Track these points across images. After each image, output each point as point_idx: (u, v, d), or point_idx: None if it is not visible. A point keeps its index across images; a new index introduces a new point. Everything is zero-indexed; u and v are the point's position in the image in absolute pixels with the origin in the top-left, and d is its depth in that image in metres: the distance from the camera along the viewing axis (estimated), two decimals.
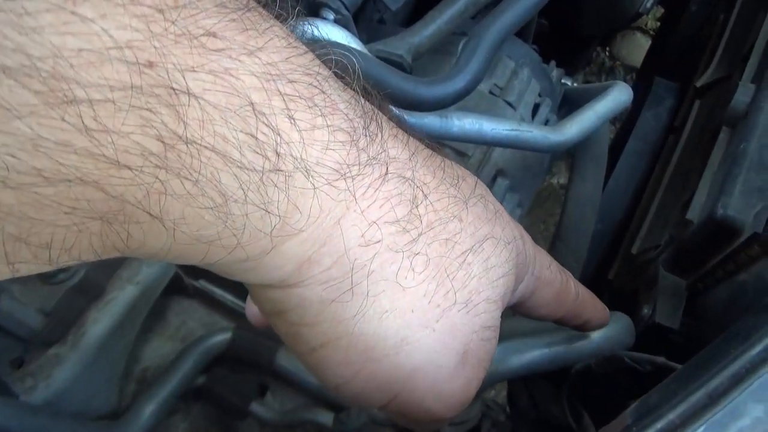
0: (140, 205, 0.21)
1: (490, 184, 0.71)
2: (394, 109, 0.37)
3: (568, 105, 0.85)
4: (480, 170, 0.69)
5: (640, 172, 0.87)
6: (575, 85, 0.88)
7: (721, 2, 0.97)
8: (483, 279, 0.32)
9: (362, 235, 0.28)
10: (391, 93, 0.47)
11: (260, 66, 0.23)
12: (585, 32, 0.91)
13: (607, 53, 2.13)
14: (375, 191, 0.28)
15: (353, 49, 0.47)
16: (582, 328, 0.48)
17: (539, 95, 0.77)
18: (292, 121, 0.24)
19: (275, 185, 0.24)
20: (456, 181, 0.33)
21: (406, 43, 0.57)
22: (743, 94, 0.59)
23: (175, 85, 0.20)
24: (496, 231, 0.33)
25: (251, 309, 0.39)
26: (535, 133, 0.59)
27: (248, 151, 0.23)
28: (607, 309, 0.49)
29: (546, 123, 0.77)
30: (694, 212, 0.56)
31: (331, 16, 0.54)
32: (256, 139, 0.23)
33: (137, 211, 0.21)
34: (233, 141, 0.22)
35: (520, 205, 0.75)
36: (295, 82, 0.24)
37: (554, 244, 0.75)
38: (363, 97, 0.29)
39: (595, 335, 0.55)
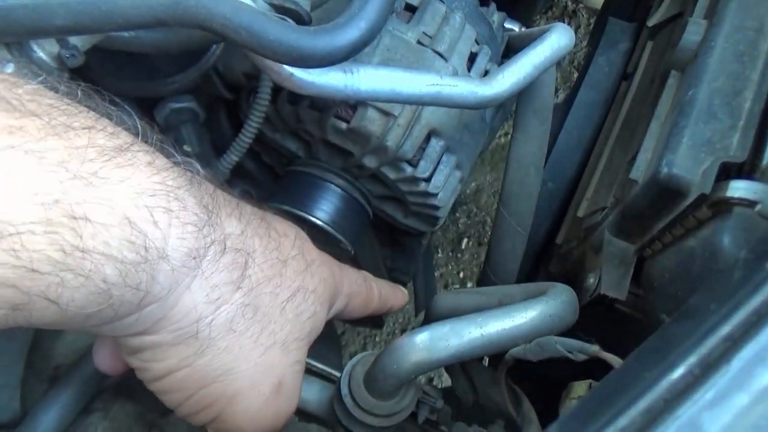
0: (42, 295, 0.31)
1: (423, 145, 0.64)
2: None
3: (514, 53, 0.77)
4: (409, 131, 0.61)
5: (593, 124, 0.80)
6: (522, 30, 0.80)
7: None
8: (295, 322, 0.45)
9: (206, 295, 0.39)
10: (270, 47, 0.39)
11: (130, 189, 0.33)
12: None
13: None
14: (216, 263, 0.39)
15: None
16: (387, 313, 0.63)
17: (476, 43, 0.69)
18: (155, 224, 0.34)
19: (144, 270, 0.34)
20: (278, 244, 0.45)
21: None
22: (693, 32, 0.52)
23: (74, 214, 0.31)
24: (307, 281, 0.46)
25: (98, 357, 0.48)
26: (460, 87, 0.51)
27: (126, 250, 0.33)
28: (404, 290, 0.65)
29: (486, 75, 0.69)
30: (639, 171, 0.50)
31: None
32: (131, 242, 0.33)
33: (40, 299, 0.31)
34: (115, 245, 0.32)
35: (459, 167, 0.68)
36: (155, 195, 0.34)
37: (498, 210, 0.69)
38: (208, 194, 0.39)
39: (533, 313, 0.49)
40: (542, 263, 0.81)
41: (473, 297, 0.62)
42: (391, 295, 0.61)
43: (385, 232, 0.88)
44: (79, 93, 0.36)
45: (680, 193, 0.44)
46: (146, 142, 0.37)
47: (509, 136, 1.94)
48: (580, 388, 0.47)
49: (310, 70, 0.44)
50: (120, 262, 0.32)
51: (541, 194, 0.81)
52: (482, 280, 0.74)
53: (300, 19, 0.48)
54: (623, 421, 0.23)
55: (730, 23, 0.50)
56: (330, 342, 1.21)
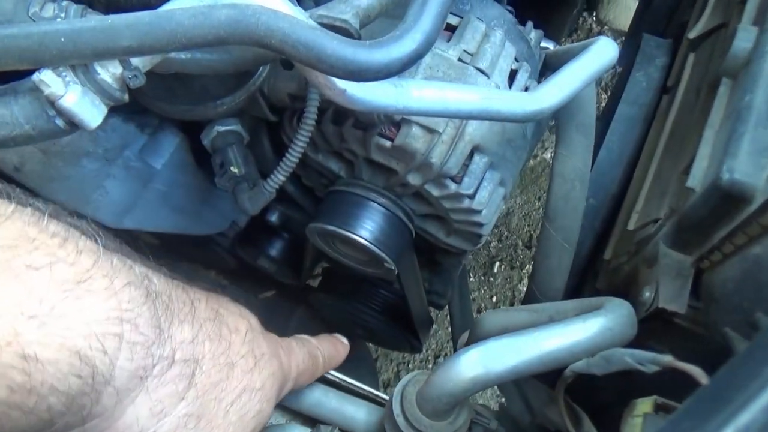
0: None
1: (467, 162, 0.64)
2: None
3: (551, 71, 0.77)
4: (453, 147, 0.61)
5: (634, 139, 0.79)
6: (556, 48, 0.80)
7: None
8: (239, 424, 0.47)
9: (150, 409, 0.41)
10: (328, 61, 0.39)
11: (83, 322, 0.35)
12: None
13: (593, 18, 2.04)
14: (162, 377, 0.41)
15: (281, 13, 0.40)
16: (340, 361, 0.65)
17: (516, 60, 0.69)
18: (104, 352, 0.36)
19: (89, 396, 0.36)
20: (229, 343, 0.47)
21: (350, 6, 0.50)
22: (744, 39, 0.51)
23: (24, 354, 0.33)
24: (254, 379, 0.48)
25: None
26: (508, 100, 0.51)
27: (73, 383, 0.35)
28: (343, 339, 0.67)
29: (525, 90, 0.69)
30: (696, 179, 0.49)
31: None
32: (79, 375, 0.35)
33: None
34: (62, 379, 0.34)
35: (502, 183, 0.68)
36: (108, 320, 0.37)
37: (543, 226, 0.68)
38: (163, 305, 0.42)
39: (592, 327, 0.48)
40: (587, 280, 0.79)
41: (523, 315, 0.60)
42: (334, 355, 0.64)
43: (423, 254, 0.88)
44: (49, 208, 0.39)
45: (744, 198, 0.43)
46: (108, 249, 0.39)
47: (537, 158, 1.92)
48: (645, 406, 0.46)
49: (362, 86, 0.45)
50: (65, 395, 0.35)
51: (585, 213, 0.80)
52: (528, 298, 0.72)
53: (350, 36, 0.49)
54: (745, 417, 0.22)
55: None
56: (366, 367, 1.19)
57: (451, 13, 0.67)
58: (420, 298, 0.86)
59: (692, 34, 0.69)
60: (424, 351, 1.62)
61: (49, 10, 0.43)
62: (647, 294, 0.54)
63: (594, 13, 2.03)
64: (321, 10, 0.50)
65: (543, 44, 0.86)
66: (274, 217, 0.87)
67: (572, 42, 2.03)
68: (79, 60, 0.39)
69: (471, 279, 1.69)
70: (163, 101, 0.59)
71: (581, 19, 2.01)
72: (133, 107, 0.63)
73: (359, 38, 0.49)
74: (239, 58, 0.48)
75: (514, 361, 0.48)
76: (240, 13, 0.39)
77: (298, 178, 0.80)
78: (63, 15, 0.43)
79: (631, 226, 0.61)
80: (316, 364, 0.61)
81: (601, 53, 0.58)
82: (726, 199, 0.44)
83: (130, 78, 0.42)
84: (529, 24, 0.76)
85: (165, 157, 0.70)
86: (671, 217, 0.53)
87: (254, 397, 0.48)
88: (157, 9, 0.42)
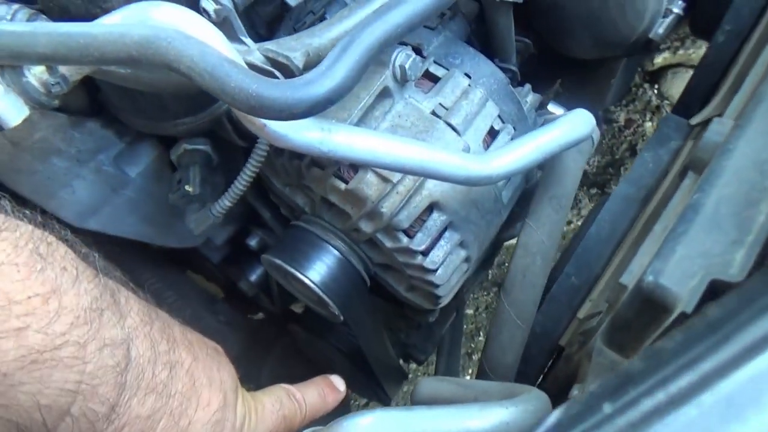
0: None
1: (424, 217, 0.61)
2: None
3: None
4: (408, 200, 0.59)
5: (627, 220, 0.73)
6: (559, 113, 0.76)
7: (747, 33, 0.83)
8: None
9: None
10: (231, 93, 0.38)
11: (29, 397, 0.37)
12: (575, 55, 0.80)
13: (655, 90, 1.96)
14: None
15: (195, 40, 0.39)
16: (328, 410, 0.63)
17: (501, 121, 0.67)
18: (44, 425, 0.38)
19: None
20: (188, 424, 0.47)
21: (301, 44, 0.49)
22: (715, 132, 0.47)
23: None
24: None
25: None
26: (448, 161, 0.49)
27: None
28: (338, 385, 0.65)
29: None
30: (631, 276, 0.44)
31: (211, 6, 0.47)
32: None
33: None
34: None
35: (463, 245, 0.64)
36: (58, 393, 0.38)
37: (498, 298, 0.64)
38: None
39: (489, 418, 0.44)
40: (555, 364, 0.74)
41: (452, 388, 0.57)
42: (319, 405, 0.62)
43: (401, 305, 0.84)
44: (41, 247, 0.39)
45: (665, 307, 0.38)
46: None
47: (572, 224, 1.84)
48: None
49: (284, 124, 0.44)
50: None
51: (562, 289, 0.75)
52: (479, 373, 0.68)
53: (291, 74, 0.48)
54: None
55: (757, 126, 0.44)
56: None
57: (439, 65, 0.66)
58: (381, 350, 0.83)
59: (694, 120, 0.64)
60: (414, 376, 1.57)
61: (0, 10, 0.45)
62: (575, 392, 0.49)
63: (656, 86, 1.96)
64: (270, 45, 0.50)
65: (552, 108, 0.83)
66: (254, 242, 0.86)
67: (627, 112, 1.96)
68: None
69: (480, 338, 1.63)
70: (128, 113, 0.60)
71: (640, 90, 1.94)
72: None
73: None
74: (178, 80, 0.49)
75: None
76: (153, 35, 0.39)
77: (277, 207, 0.80)
78: (9, 17, 0.44)
79: (581, 315, 0.56)
80: (292, 415, 0.59)
81: (572, 125, 0.55)
82: (648, 303, 0.40)
83: (52, 84, 0.43)
84: (527, 86, 0.73)
85: (140, 167, 0.71)
86: (609, 313, 0.48)
87: None
88: (87, 22, 0.42)
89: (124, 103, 0.60)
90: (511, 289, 0.62)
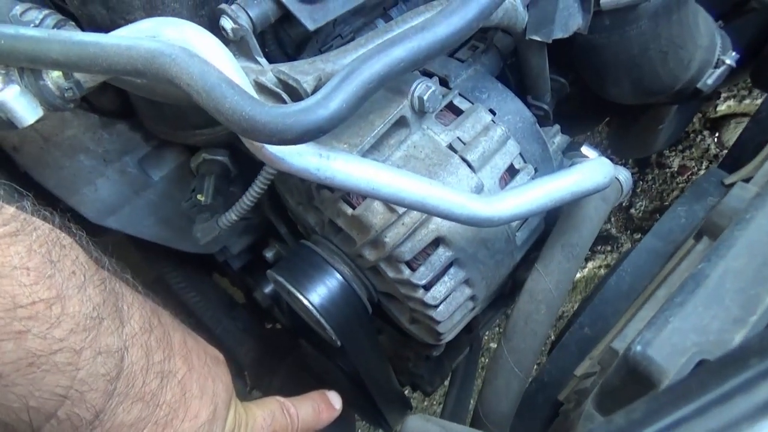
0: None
1: (429, 251, 0.60)
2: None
3: None
4: (413, 233, 0.58)
5: (649, 276, 0.70)
6: (591, 157, 0.74)
7: None
8: None
9: None
10: (225, 113, 0.39)
11: (17, 399, 0.38)
12: (615, 100, 0.77)
13: (715, 139, 1.88)
14: None
15: (199, 59, 0.40)
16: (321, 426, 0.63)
17: (523, 161, 0.65)
18: (29, 425, 0.39)
19: None
20: None
21: (314, 68, 0.49)
22: (736, 197, 0.44)
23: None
24: None
25: None
26: (450, 199, 0.47)
27: None
28: (334, 401, 0.64)
29: None
30: (624, 341, 0.41)
31: (229, 24, 0.48)
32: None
33: None
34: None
35: (469, 284, 0.62)
36: (47, 397, 0.39)
37: (499, 343, 0.61)
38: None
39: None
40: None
41: (438, 431, 0.55)
42: (312, 420, 0.61)
43: (407, 335, 0.83)
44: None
45: (650, 380, 0.36)
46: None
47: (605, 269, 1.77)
48: None
49: (282, 147, 0.44)
50: None
51: (574, 339, 0.72)
52: (473, 420, 0.65)
53: (300, 98, 0.48)
54: None
55: None
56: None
57: (464, 98, 0.65)
58: (382, 378, 0.81)
59: (728, 180, 0.61)
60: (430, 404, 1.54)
61: (29, 15, 0.47)
62: None
63: (717, 135, 1.87)
64: (284, 67, 0.50)
65: (585, 151, 0.80)
66: (270, 255, 0.87)
67: (683, 158, 1.89)
68: (13, 62, 0.42)
69: None
70: (151, 120, 0.62)
71: (699, 137, 1.86)
72: None
73: None
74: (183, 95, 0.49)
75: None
76: (158, 50, 0.40)
77: (293, 222, 0.80)
78: (37, 22, 0.46)
79: (578, 372, 0.53)
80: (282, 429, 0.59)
81: (588, 174, 0.53)
82: (634, 374, 0.37)
83: (66, 89, 0.44)
84: (556, 127, 0.71)
85: (164, 171, 0.73)
86: (601, 376, 0.45)
87: None
88: (106, 33, 0.44)
89: (148, 109, 0.61)
90: (512, 335, 0.59)
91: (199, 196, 0.63)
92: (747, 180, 0.58)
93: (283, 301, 0.93)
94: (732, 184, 0.60)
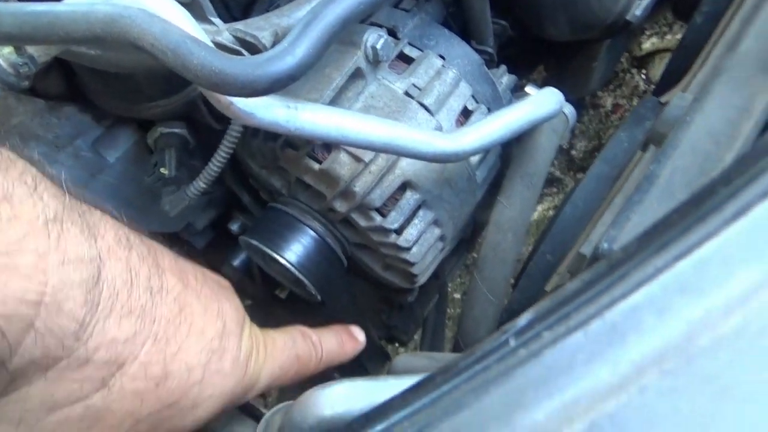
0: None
1: (397, 197, 0.62)
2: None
3: None
4: (380, 179, 0.60)
5: (600, 199, 0.75)
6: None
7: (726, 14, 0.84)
8: None
9: (41, 400, 0.39)
10: (193, 70, 0.39)
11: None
12: (553, 38, 0.81)
13: (643, 75, 1.97)
14: (67, 372, 0.39)
15: (159, 18, 0.40)
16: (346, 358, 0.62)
17: (475, 101, 0.68)
18: (3, 336, 0.35)
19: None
20: (177, 350, 0.43)
21: (270, 24, 0.50)
22: (675, 106, 0.48)
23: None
24: (190, 396, 0.45)
25: None
26: (415, 137, 0.50)
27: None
28: (358, 334, 0.64)
29: None
30: (590, 246, 0.45)
31: None
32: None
33: None
34: None
35: (438, 224, 0.65)
36: (18, 302, 0.35)
37: (472, 275, 0.65)
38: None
39: None
40: None
41: (426, 362, 0.58)
42: (336, 352, 0.59)
43: (381, 285, 0.86)
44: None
45: None
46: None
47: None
48: None
49: (250, 101, 0.45)
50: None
51: (537, 267, 0.76)
52: (454, 347, 0.69)
53: (257, 53, 0.49)
54: None
55: (713, 100, 0.45)
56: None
57: (414, 47, 0.67)
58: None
59: (664, 98, 0.65)
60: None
61: None
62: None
63: (644, 71, 1.97)
64: (239, 25, 0.50)
65: (529, 90, 0.83)
66: (235, 227, 0.87)
67: (615, 97, 1.97)
68: None
69: None
70: (103, 96, 0.61)
71: (627, 75, 1.95)
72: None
73: None
74: (146, 61, 0.49)
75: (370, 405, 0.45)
76: (117, 13, 0.40)
77: (257, 191, 0.81)
78: None
79: (548, 287, 0.57)
80: (305, 359, 0.55)
81: (540, 102, 0.56)
82: None
83: (20, 65, 0.44)
84: (502, 67, 0.74)
85: (119, 152, 0.72)
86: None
87: (186, 415, 0.44)
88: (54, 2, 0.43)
89: (99, 85, 0.60)
90: (484, 265, 0.63)
91: (162, 170, 0.62)
92: None
93: (255, 270, 0.94)
94: (666, 103, 0.65)
